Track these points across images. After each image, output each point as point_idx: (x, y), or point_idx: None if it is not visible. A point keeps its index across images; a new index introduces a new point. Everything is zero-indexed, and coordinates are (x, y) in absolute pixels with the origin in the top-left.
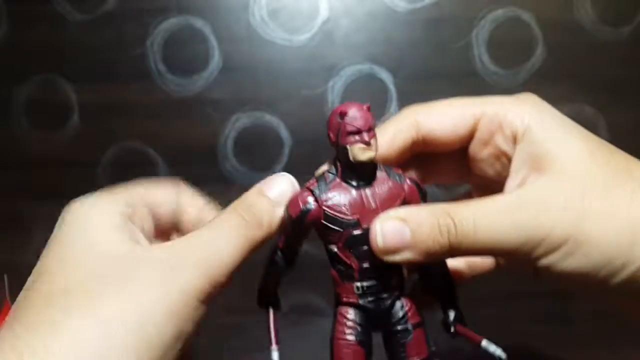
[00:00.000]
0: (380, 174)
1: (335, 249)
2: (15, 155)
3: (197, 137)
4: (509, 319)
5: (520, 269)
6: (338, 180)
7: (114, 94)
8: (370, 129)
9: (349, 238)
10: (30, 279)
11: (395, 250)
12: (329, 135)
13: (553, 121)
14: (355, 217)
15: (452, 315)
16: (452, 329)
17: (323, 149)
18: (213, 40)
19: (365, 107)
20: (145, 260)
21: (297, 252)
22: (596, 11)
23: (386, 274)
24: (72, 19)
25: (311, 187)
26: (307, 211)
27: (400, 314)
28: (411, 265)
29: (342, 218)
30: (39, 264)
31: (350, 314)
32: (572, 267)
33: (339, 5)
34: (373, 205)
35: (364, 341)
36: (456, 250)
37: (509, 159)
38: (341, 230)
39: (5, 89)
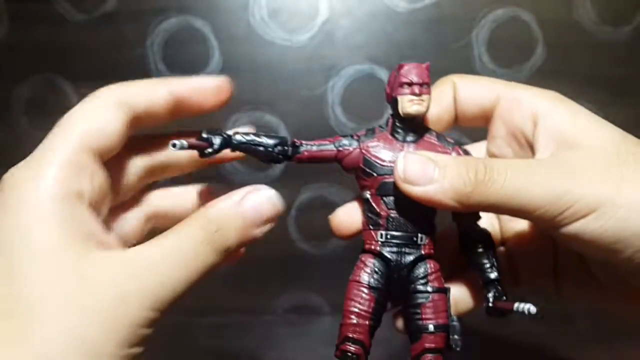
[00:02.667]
0: (430, 136)
1: (368, 195)
2: (15, 155)
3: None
4: (509, 318)
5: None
6: (386, 133)
7: None
8: (424, 84)
9: (382, 184)
10: None
11: (416, 181)
12: (386, 92)
13: (575, 105)
14: (392, 165)
15: (491, 293)
16: (490, 305)
17: None
18: (213, 40)
19: (424, 65)
20: (91, 279)
21: (303, 161)
22: (596, 11)
23: (414, 229)
24: (72, 19)
25: (358, 134)
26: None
27: (422, 273)
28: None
29: (379, 163)
30: None
31: (370, 261)
32: (608, 231)
33: (339, 5)
34: None
35: (376, 288)
36: (482, 195)
37: (526, 140)
38: (376, 175)
39: (5, 89)
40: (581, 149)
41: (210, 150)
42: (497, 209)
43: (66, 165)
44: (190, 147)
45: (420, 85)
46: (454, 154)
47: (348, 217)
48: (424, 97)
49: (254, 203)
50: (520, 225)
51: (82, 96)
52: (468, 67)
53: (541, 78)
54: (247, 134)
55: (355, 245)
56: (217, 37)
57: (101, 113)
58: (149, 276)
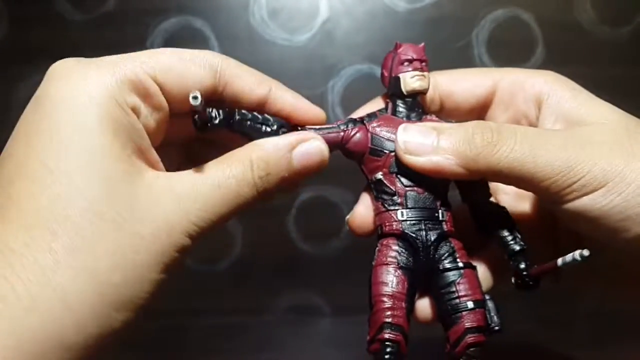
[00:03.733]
0: (431, 117)
1: (381, 175)
2: None
3: None
4: (508, 319)
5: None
6: (388, 115)
7: None
8: (423, 61)
9: (394, 161)
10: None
11: (418, 151)
12: (382, 75)
13: (576, 85)
14: None
15: (522, 264)
16: (524, 274)
17: None
18: (213, 40)
19: (420, 45)
20: (143, 204)
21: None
22: (596, 11)
23: (433, 203)
24: (72, 19)
25: (360, 117)
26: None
27: (448, 251)
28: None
29: (390, 140)
30: (11, 139)
31: (393, 242)
32: (617, 207)
33: (339, 5)
34: None
35: (407, 267)
36: (490, 159)
37: (530, 123)
38: (387, 152)
39: (5, 89)
40: (590, 125)
41: (214, 122)
42: (505, 176)
43: (128, 76)
44: (196, 112)
45: (420, 61)
46: None
47: (368, 211)
48: (425, 73)
49: (304, 154)
50: (521, 208)
51: None
52: (468, 67)
53: None
54: (249, 112)
55: (356, 246)
56: (217, 37)
57: (186, 63)
58: (194, 206)
